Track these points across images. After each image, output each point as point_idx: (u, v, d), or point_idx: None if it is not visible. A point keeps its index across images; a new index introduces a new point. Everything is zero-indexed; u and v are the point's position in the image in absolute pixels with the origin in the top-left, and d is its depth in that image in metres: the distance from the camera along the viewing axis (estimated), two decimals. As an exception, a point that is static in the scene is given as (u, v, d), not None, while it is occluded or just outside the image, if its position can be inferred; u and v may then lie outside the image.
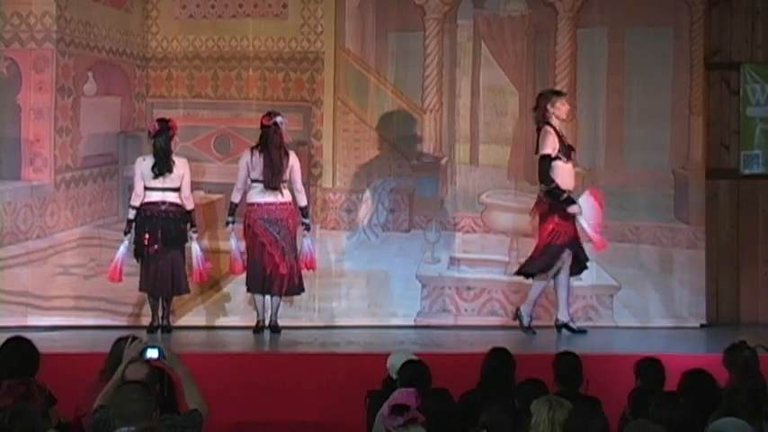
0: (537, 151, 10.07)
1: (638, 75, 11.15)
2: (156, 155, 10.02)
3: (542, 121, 10.06)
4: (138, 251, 10.03)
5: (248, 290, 10.18)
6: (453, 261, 11.05)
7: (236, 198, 10.16)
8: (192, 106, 10.92)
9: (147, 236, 9.97)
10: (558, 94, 10.23)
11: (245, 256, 10.12)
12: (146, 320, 10.33)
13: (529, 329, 10.15)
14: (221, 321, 10.64)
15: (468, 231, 11.07)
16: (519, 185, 10.89)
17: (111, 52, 10.93)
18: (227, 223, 10.22)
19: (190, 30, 11.05)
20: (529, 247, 10.65)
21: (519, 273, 10.31)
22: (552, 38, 11.19)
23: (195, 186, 10.49)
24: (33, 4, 10.68)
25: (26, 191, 10.70)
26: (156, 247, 9.96)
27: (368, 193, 11.05)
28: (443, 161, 11.13)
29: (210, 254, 10.55)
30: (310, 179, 10.84)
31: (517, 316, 10.25)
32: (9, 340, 6.76)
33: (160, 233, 9.98)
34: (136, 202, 10.06)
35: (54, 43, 10.70)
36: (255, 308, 10.16)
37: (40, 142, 10.69)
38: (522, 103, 11.14)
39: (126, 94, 10.97)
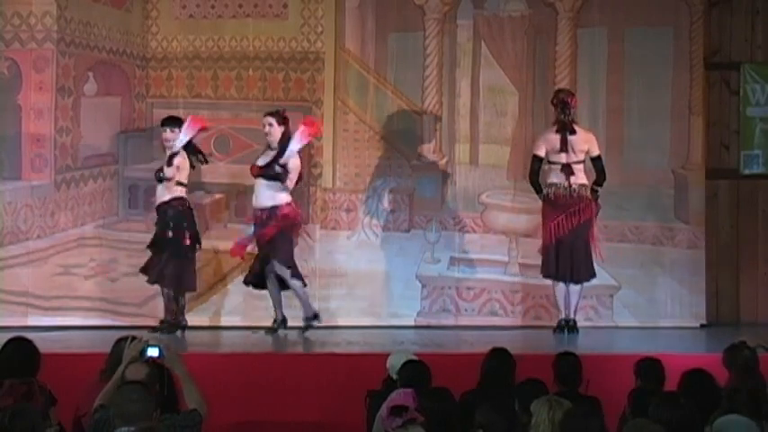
0: (584, 151, 10.09)
1: (638, 75, 11.16)
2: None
3: (574, 118, 10.12)
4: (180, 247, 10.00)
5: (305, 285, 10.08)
6: (453, 261, 11.06)
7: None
8: (192, 106, 10.92)
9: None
10: None
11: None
12: (145, 320, 10.33)
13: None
14: (221, 321, 10.63)
15: (468, 231, 11.08)
16: (518, 185, 10.89)
17: (112, 52, 10.94)
18: None
19: (190, 30, 11.06)
20: (528, 247, 10.67)
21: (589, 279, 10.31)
22: (552, 38, 11.20)
23: (196, 186, 10.50)
24: (34, 4, 10.70)
25: (26, 191, 10.71)
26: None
27: (368, 193, 11.06)
28: (443, 161, 11.13)
29: (212, 254, 10.57)
30: (310, 179, 10.84)
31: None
32: (11, 340, 6.77)
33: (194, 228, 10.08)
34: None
35: (54, 43, 10.71)
36: (274, 305, 10.09)
37: (41, 142, 10.70)
38: (521, 104, 11.16)
39: (126, 94, 10.98)
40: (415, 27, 11.14)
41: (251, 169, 9.91)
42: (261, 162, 9.89)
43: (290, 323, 10.16)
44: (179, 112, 10.70)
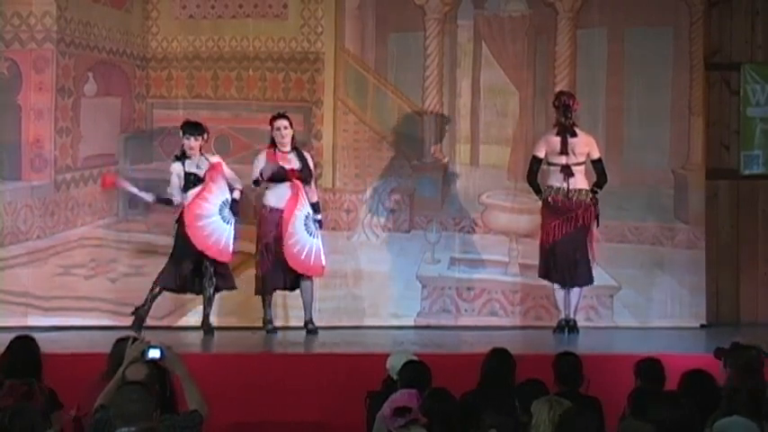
0: (584, 154, 10.10)
1: (637, 75, 11.16)
2: None
3: (575, 120, 10.12)
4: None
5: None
6: (453, 261, 11.06)
7: None
8: (192, 106, 10.92)
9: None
10: None
11: None
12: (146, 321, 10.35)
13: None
14: (221, 321, 10.61)
15: (468, 232, 11.08)
16: (519, 186, 10.88)
17: (112, 53, 10.94)
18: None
19: (190, 30, 11.06)
20: (529, 247, 10.68)
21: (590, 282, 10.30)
22: (552, 38, 11.20)
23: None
24: (34, 4, 10.70)
25: (26, 191, 10.71)
26: None
27: (368, 194, 11.06)
28: (444, 162, 11.13)
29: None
30: (310, 179, 10.84)
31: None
32: (16, 339, 6.78)
33: None
34: None
35: (54, 43, 10.71)
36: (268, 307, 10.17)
37: (41, 143, 10.70)
38: (522, 104, 11.16)
39: (126, 95, 10.98)
40: (416, 27, 11.14)
41: (289, 173, 9.94)
42: (292, 165, 9.99)
43: (293, 323, 10.20)
44: (179, 113, 10.72)
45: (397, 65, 11.11)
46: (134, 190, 10.18)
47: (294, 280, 10.08)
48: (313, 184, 10.19)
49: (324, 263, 10.08)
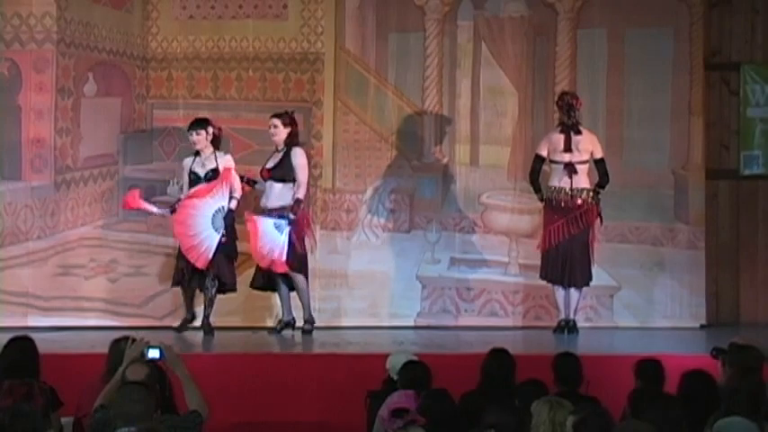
0: (588, 151, 10.12)
1: (637, 75, 11.16)
2: None
3: (578, 120, 10.12)
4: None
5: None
6: (453, 262, 11.06)
7: None
8: (192, 107, 10.92)
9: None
10: None
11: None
12: (145, 321, 10.35)
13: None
14: (221, 321, 10.62)
15: (468, 232, 11.08)
16: (519, 186, 10.90)
17: (112, 53, 10.94)
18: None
19: (190, 30, 11.06)
20: (529, 247, 10.68)
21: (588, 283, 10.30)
22: (552, 39, 11.20)
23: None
24: (34, 4, 10.70)
25: (26, 191, 10.71)
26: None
27: (368, 194, 11.06)
28: (444, 162, 11.14)
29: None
30: (310, 180, 10.82)
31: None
32: (13, 339, 6.78)
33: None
34: None
35: (54, 44, 10.71)
36: (283, 306, 10.14)
37: (41, 143, 10.71)
38: (521, 104, 11.16)
39: (126, 95, 10.98)
40: (416, 27, 11.14)
41: (261, 172, 9.95)
42: (270, 164, 9.95)
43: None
44: (179, 113, 10.73)
45: (397, 65, 11.12)
46: (153, 209, 10.14)
47: (283, 279, 10.03)
48: (300, 180, 9.91)
49: (285, 258, 9.82)
